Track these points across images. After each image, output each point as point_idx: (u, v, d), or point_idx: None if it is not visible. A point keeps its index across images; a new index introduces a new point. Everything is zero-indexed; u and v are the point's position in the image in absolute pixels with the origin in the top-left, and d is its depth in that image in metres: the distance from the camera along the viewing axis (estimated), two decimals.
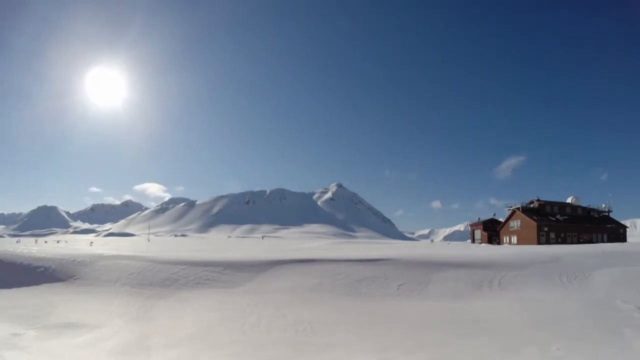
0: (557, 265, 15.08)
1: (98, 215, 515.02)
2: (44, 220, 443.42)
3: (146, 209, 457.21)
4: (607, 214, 51.78)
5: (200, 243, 52.68)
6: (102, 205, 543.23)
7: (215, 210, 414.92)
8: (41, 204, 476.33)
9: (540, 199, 49.47)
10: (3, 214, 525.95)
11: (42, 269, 14.14)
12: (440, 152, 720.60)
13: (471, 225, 61.69)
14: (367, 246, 39.22)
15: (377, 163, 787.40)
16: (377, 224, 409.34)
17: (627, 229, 52.58)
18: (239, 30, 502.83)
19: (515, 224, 49.40)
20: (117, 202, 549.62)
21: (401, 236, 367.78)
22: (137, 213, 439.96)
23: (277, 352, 7.43)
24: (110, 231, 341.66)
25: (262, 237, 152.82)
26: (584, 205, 51.62)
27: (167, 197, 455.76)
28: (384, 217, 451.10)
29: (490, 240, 53.69)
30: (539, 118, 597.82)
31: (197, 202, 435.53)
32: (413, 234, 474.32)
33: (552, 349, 7.24)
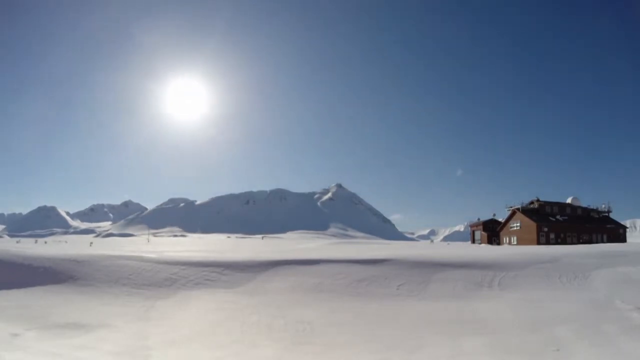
0: (557, 266, 15.10)
1: (98, 215, 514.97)
2: (44, 220, 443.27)
3: (145, 209, 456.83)
4: (606, 214, 51.77)
5: (200, 243, 52.66)
6: (102, 206, 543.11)
7: (215, 210, 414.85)
8: (41, 204, 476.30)
9: (540, 199, 49.48)
10: (3, 214, 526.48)
11: (42, 269, 14.13)
12: (440, 152, 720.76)
13: (471, 226, 61.69)
14: (366, 246, 39.23)
15: (377, 163, 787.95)
16: (377, 225, 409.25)
17: (627, 229, 52.57)
18: (240, 30, 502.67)
19: (515, 224, 49.40)
20: (117, 202, 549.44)
21: (401, 236, 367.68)
22: (136, 213, 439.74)
23: (277, 352, 7.43)
24: (109, 231, 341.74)
25: (262, 237, 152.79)
26: (584, 205, 51.63)
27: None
28: (384, 217, 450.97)
29: (490, 241, 53.68)
30: (538, 118, 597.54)
31: (197, 202, 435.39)
32: (413, 234, 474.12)
33: (552, 349, 7.25)
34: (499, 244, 51.25)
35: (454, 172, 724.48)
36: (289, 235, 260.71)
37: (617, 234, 49.45)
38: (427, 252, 22.39)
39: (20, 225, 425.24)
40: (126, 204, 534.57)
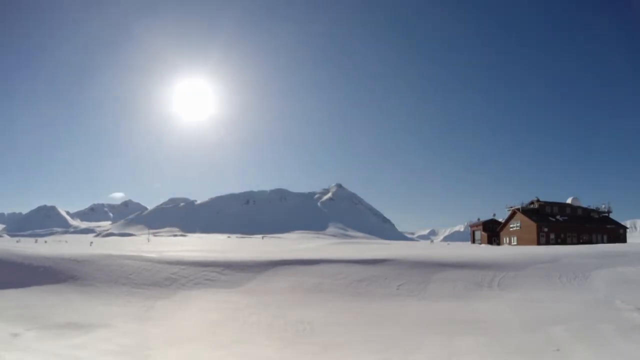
0: (557, 266, 15.11)
1: (98, 215, 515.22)
2: (44, 220, 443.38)
3: (146, 209, 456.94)
4: (606, 214, 51.77)
5: (200, 243, 52.66)
6: (102, 205, 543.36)
7: (215, 210, 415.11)
8: (41, 204, 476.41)
9: (540, 199, 49.48)
10: (3, 214, 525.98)
11: (42, 268, 14.13)
12: (440, 152, 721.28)
13: (471, 226, 61.69)
14: (366, 246, 39.23)
15: (377, 163, 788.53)
16: (377, 225, 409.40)
17: (627, 230, 52.57)
18: (243, 30, 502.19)
19: (515, 224, 49.40)
20: (117, 202, 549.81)
21: (401, 236, 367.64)
22: (136, 213, 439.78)
23: (277, 352, 7.44)
24: (109, 231, 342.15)
25: (262, 237, 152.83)
26: (584, 205, 51.63)
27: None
28: (384, 217, 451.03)
29: (490, 241, 53.67)
30: (538, 118, 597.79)
31: (197, 202, 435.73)
32: (413, 234, 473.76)
33: (552, 349, 7.25)
34: (499, 244, 51.24)
35: (454, 172, 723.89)
36: (289, 235, 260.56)
37: (617, 234, 49.45)
38: (427, 252, 22.40)
39: (20, 225, 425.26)
40: (126, 204, 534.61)
